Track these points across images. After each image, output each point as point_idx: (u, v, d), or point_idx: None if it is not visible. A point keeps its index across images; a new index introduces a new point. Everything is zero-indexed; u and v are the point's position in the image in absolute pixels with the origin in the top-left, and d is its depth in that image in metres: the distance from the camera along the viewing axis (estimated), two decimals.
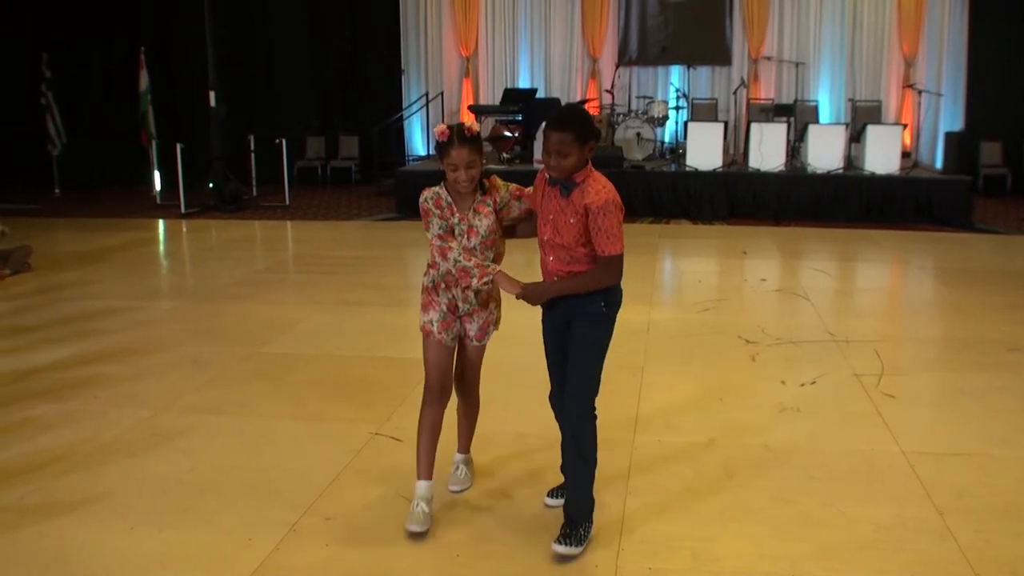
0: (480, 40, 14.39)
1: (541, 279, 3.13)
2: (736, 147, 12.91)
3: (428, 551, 3.12)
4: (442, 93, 14.36)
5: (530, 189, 3.21)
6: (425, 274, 3.26)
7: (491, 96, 14.11)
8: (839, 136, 11.27)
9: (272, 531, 3.24)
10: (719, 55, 13.70)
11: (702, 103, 13.35)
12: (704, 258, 8.89)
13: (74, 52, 13.63)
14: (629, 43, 13.95)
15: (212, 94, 11.71)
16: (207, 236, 10.25)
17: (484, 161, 3.18)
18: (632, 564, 3.02)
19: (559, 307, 3.07)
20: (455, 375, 3.35)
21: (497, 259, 3.23)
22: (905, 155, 11.75)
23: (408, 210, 11.04)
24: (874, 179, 10.80)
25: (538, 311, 3.19)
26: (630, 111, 12.62)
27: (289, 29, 14.23)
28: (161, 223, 11.02)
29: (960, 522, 3.29)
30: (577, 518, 3.09)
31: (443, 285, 3.20)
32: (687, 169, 11.19)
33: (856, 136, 11.68)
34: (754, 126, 11.47)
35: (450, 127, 3.06)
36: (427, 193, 3.16)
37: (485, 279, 3.09)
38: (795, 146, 11.74)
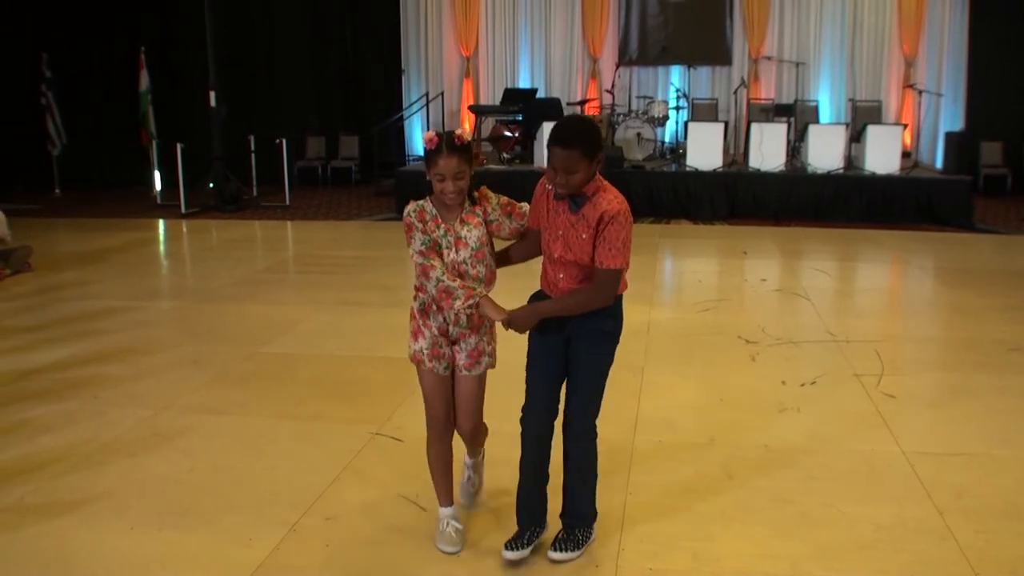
0: (480, 40, 14.39)
1: (534, 301, 2.98)
2: (736, 147, 12.91)
3: (428, 551, 3.12)
4: (442, 93, 14.36)
5: (523, 205, 3.04)
6: (414, 298, 3.04)
7: (491, 96, 14.11)
8: (839, 136, 11.27)
9: (272, 531, 3.24)
10: (719, 55, 13.70)
11: (702, 103, 13.35)
12: (704, 258, 8.89)
13: (74, 52, 13.63)
14: (629, 43, 13.95)
15: (212, 94, 11.72)
16: (207, 236, 10.26)
17: (473, 172, 2.95)
18: (632, 564, 3.02)
19: (560, 327, 2.90)
20: (454, 416, 3.14)
21: (489, 278, 3.01)
22: (905, 155, 11.75)
23: None
24: (874, 179, 10.79)
25: None
26: (630, 111, 12.62)
27: (289, 29, 14.24)
28: (161, 223, 11.02)
29: (960, 522, 3.29)
30: (575, 525, 3.08)
31: (434, 308, 2.99)
32: (687, 169, 11.19)
33: (856, 136, 11.68)
34: (754, 126, 11.47)
35: (439, 134, 2.86)
36: (411, 207, 2.95)
37: (470, 302, 2.84)
38: (795, 146, 11.74)
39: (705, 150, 11.23)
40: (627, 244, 2.80)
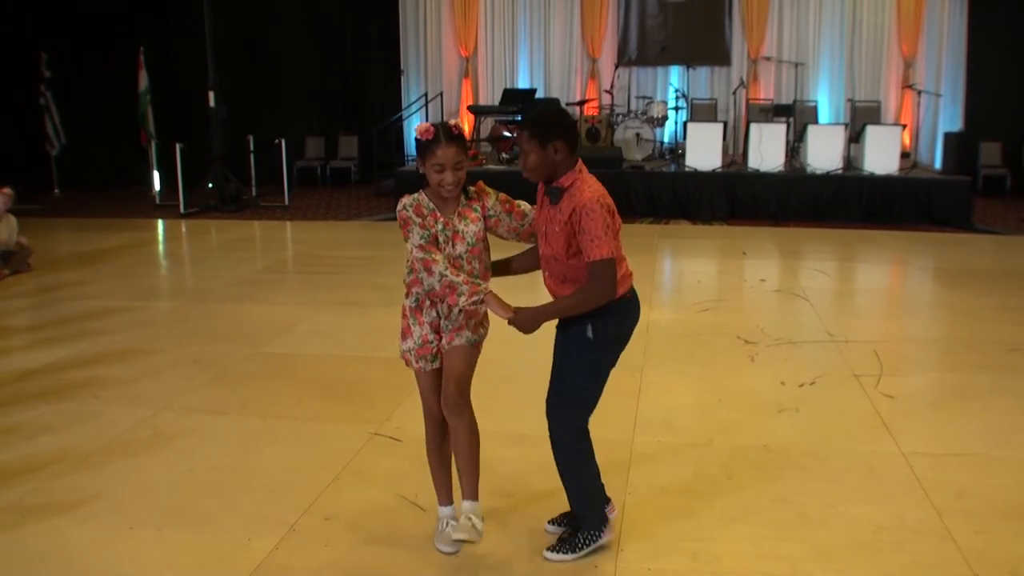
0: (480, 40, 14.39)
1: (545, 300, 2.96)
2: (735, 147, 12.92)
3: (427, 552, 3.12)
4: (441, 93, 14.37)
5: (521, 203, 3.02)
6: (407, 295, 2.95)
7: (490, 96, 14.11)
8: (838, 136, 11.28)
9: (271, 531, 3.24)
10: (718, 55, 13.71)
11: (701, 103, 13.35)
12: (703, 258, 8.89)
13: (73, 52, 13.62)
14: (628, 43, 13.96)
15: (212, 94, 11.72)
16: (207, 236, 10.25)
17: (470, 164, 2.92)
18: (631, 564, 3.01)
19: (561, 327, 2.94)
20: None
21: (484, 275, 2.95)
22: (904, 155, 11.77)
23: None
24: (873, 179, 10.80)
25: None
26: (629, 111, 12.64)
27: (289, 29, 14.24)
28: (160, 223, 11.02)
29: (960, 523, 3.29)
30: (577, 527, 3.08)
31: (428, 303, 2.92)
32: (686, 169, 11.20)
33: (855, 136, 11.69)
34: (753, 126, 11.48)
35: (434, 125, 2.81)
36: (406, 200, 2.86)
37: (474, 298, 2.78)
38: (794, 146, 11.75)
39: (704, 150, 11.24)
40: (609, 230, 2.72)
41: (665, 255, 8.91)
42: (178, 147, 11.58)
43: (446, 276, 2.79)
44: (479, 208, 2.93)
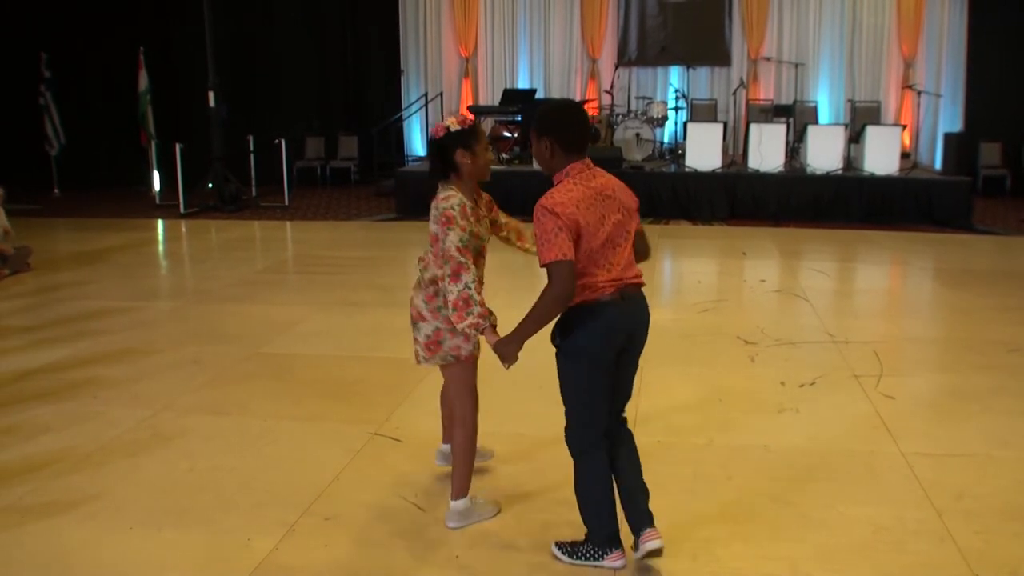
0: (479, 40, 14.40)
1: None
2: (735, 148, 12.92)
3: (427, 552, 3.12)
4: (441, 94, 14.37)
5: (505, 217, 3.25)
6: (433, 291, 3.09)
7: (490, 97, 14.11)
8: (838, 137, 11.27)
9: (271, 531, 3.24)
10: (718, 56, 13.70)
11: (701, 104, 13.36)
12: (703, 259, 8.89)
13: (73, 52, 13.63)
14: (628, 43, 13.96)
15: (211, 94, 11.72)
16: (206, 236, 10.25)
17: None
18: (631, 564, 3.01)
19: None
20: None
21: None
22: (904, 156, 11.76)
23: (407, 210, 11.05)
24: (873, 180, 10.80)
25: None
26: (629, 112, 12.63)
27: (289, 29, 14.24)
28: (160, 223, 11.02)
29: (959, 523, 3.29)
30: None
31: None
32: (686, 170, 11.20)
33: (855, 137, 11.69)
34: (753, 127, 11.47)
35: (454, 118, 3.02)
36: (454, 199, 2.93)
37: (474, 329, 2.87)
38: (794, 147, 11.75)
39: (704, 151, 11.24)
40: (555, 235, 2.65)
41: (665, 255, 8.91)
42: (178, 147, 11.58)
43: (469, 290, 2.85)
44: (486, 210, 3.16)
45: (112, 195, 13.10)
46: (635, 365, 3.00)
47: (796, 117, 12.45)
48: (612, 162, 10.71)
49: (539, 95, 13.50)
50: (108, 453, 3.98)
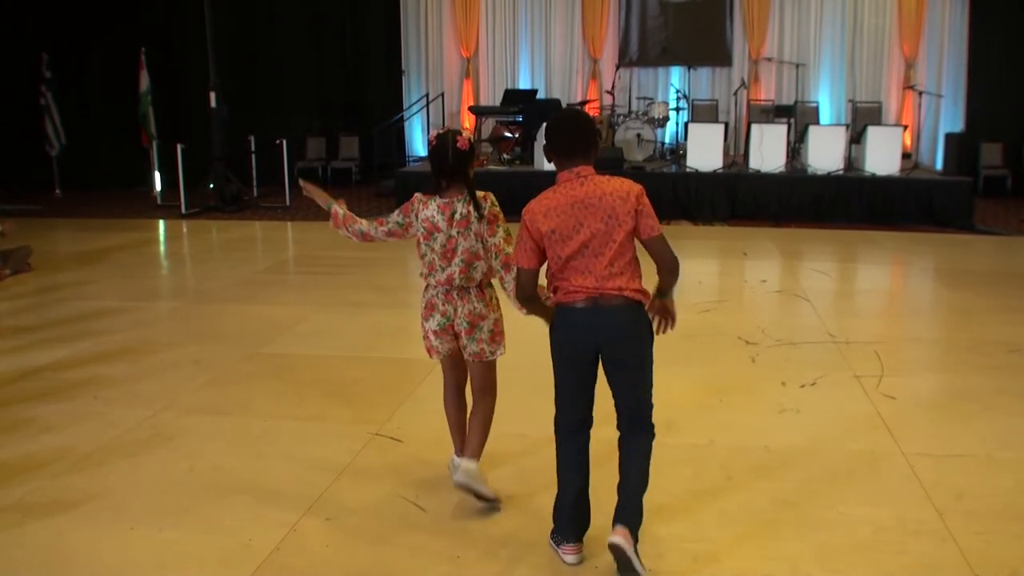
0: (480, 41, 14.40)
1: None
2: (736, 148, 12.91)
3: (428, 552, 3.12)
4: (442, 94, 14.37)
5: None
6: (487, 284, 3.36)
7: (491, 97, 14.11)
8: (839, 137, 11.27)
9: (272, 531, 3.24)
10: (719, 56, 13.70)
11: (702, 104, 13.35)
12: (704, 259, 8.89)
13: (74, 52, 13.63)
14: (629, 44, 13.96)
15: (212, 94, 11.72)
16: (207, 237, 10.26)
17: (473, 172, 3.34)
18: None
19: None
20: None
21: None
22: (905, 156, 11.75)
23: None
24: (874, 180, 10.79)
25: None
26: (630, 112, 12.62)
27: (290, 29, 14.24)
28: (161, 223, 11.02)
29: (960, 524, 3.29)
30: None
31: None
32: (687, 170, 11.19)
33: (856, 137, 11.68)
34: (754, 127, 11.47)
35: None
36: (493, 197, 3.32)
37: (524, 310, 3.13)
38: (795, 147, 11.74)
39: (705, 151, 11.23)
40: (520, 241, 2.93)
41: None
42: (179, 147, 11.58)
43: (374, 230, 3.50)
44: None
45: (113, 195, 13.10)
46: (624, 373, 2.94)
47: (797, 117, 12.44)
48: (613, 163, 10.71)
49: (540, 95, 13.50)
50: (108, 453, 3.98)
